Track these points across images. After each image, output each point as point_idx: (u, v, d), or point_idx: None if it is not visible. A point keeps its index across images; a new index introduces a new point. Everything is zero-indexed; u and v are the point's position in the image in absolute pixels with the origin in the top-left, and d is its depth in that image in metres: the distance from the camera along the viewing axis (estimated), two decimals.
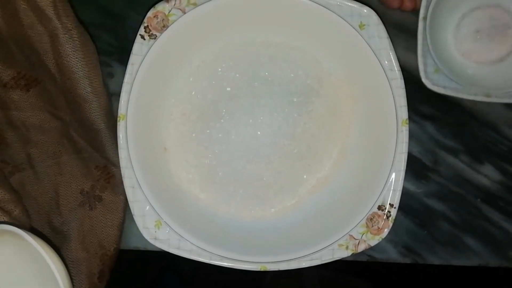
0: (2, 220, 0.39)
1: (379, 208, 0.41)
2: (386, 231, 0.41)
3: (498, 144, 0.49)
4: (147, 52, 0.41)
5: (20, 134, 0.43)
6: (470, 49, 0.47)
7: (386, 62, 0.41)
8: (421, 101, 0.48)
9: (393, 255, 0.48)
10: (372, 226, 0.41)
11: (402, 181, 0.41)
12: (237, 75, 0.46)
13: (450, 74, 0.44)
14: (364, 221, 0.41)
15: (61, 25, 0.42)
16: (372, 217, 0.41)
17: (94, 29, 0.47)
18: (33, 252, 0.37)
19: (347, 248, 0.41)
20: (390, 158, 0.41)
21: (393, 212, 0.41)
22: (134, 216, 0.41)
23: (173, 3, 0.41)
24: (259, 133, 0.45)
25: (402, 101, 0.41)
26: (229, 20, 0.44)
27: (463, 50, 0.47)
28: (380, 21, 0.41)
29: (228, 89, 0.46)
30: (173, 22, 0.41)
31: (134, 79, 0.41)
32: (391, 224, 0.41)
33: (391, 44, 0.42)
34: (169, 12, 0.41)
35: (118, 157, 0.41)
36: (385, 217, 0.41)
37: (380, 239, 0.41)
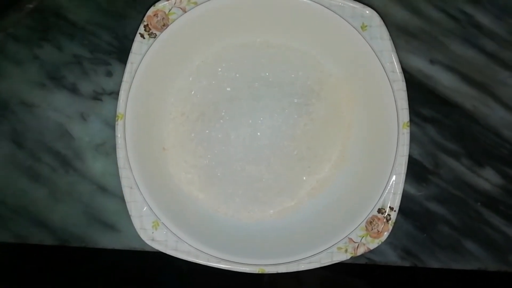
0: None
1: (379, 211, 0.41)
2: (385, 234, 0.41)
3: (499, 148, 0.48)
4: (147, 51, 0.41)
5: None
6: None
7: (388, 64, 0.41)
8: (422, 103, 0.48)
9: (393, 258, 0.48)
10: (372, 229, 0.41)
11: (403, 184, 0.41)
12: (237, 75, 0.45)
13: None
14: (363, 224, 0.41)
15: None
16: (372, 220, 0.41)
17: (94, 27, 0.47)
18: None
19: (346, 251, 0.41)
20: (390, 160, 0.41)
21: (393, 215, 0.41)
22: (131, 217, 0.40)
23: (173, 1, 0.41)
24: (259, 134, 0.45)
25: (404, 103, 0.41)
26: (229, 20, 0.43)
27: None
28: (382, 23, 0.41)
29: (228, 89, 0.45)
30: (173, 21, 0.41)
31: (133, 78, 0.40)
32: (390, 228, 0.41)
33: (393, 45, 0.41)
34: (169, 11, 0.41)
35: None
36: (385, 220, 0.41)
37: (380, 243, 0.41)
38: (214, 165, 0.45)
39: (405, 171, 0.41)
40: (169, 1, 0.41)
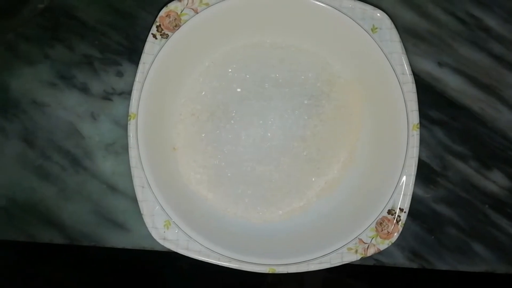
0: None
1: (389, 212, 0.41)
2: (395, 235, 0.41)
3: (506, 150, 0.48)
4: (159, 51, 0.41)
5: None
6: None
7: (398, 66, 0.41)
8: (430, 105, 0.48)
9: (400, 259, 0.48)
10: (382, 230, 0.41)
11: (413, 185, 0.41)
12: (248, 76, 0.45)
13: None
14: (373, 225, 0.41)
15: None
16: (382, 221, 0.41)
17: (104, 27, 0.47)
18: None
19: (356, 252, 0.41)
20: (400, 162, 0.41)
21: (403, 216, 0.41)
22: (143, 216, 0.40)
23: (185, 2, 0.41)
24: (269, 134, 0.45)
25: (414, 105, 0.41)
26: (240, 21, 0.44)
27: None
28: (393, 25, 0.41)
29: (238, 90, 0.45)
30: (185, 22, 0.41)
31: (145, 78, 0.41)
32: (400, 229, 0.41)
33: (403, 48, 0.41)
34: (181, 12, 0.41)
35: None
36: (395, 221, 0.41)
37: (390, 244, 0.41)
38: (223, 165, 0.45)
39: (415, 172, 0.41)
40: (181, 2, 0.41)
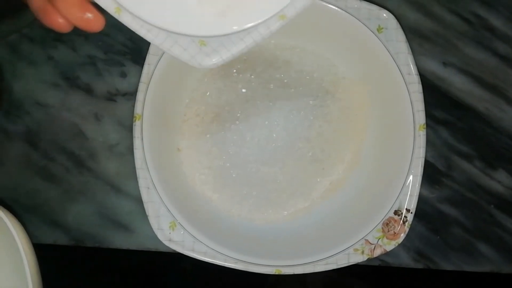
0: None
1: (395, 213, 0.41)
2: (402, 236, 0.41)
3: (511, 150, 0.48)
4: (164, 52, 0.41)
5: None
6: None
7: (404, 66, 0.41)
8: (435, 106, 0.48)
9: (406, 260, 0.48)
10: (388, 231, 0.41)
11: (419, 186, 0.41)
12: (252, 76, 0.45)
13: None
14: (380, 226, 0.41)
15: None
16: (388, 222, 0.41)
17: (108, 28, 0.47)
18: None
19: (362, 252, 0.41)
20: (407, 163, 0.41)
21: (410, 217, 0.41)
22: (148, 217, 0.40)
23: None
24: (274, 135, 0.45)
25: (420, 105, 0.41)
26: None
27: None
28: (398, 25, 0.41)
29: (243, 90, 0.45)
30: None
31: (150, 79, 0.40)
32: (407, 229, 0.41)
33: (409, 48, 0.41)
34: None
35: None
36: (401, 222, 0.41)
37: (396, 244, 0.41)
38: (228, 166, 0.45)
39: (422, 173, 0.41)
40: None
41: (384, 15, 0.41)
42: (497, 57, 0.48)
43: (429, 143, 0.48)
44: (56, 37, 0.47)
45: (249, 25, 0.25)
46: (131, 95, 0.43)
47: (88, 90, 0.47)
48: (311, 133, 0.45)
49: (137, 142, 0.40)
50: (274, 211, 0.46)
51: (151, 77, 0.40)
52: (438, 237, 0.48)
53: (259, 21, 0.25)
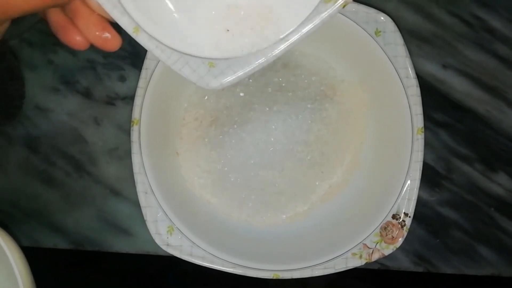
0: None
1: (393, 217, 0.41)
2: (400, 240, 0.41)
3: (511, 153, 0.48)
4: None
5: None
6: None
7: (402, 69, 0.41)
8: (435, 108, 0.48)
9: (405, 263, 0.47)
10: (386, 235, 0.41)
11: (417, 190, 0.41)
12: (250, 80, 0.45)
13: None
14: (378, 230, 0.41)
15: None
16: (386, 226, 0.41)
17: None
18: None
19: (360, 257, 0.41)
20: (405, 166, 0.41)
21: (408, 221, 0.41)
22: (146, 222, 0.40)
23: None
24: (272, 139, 0.45)
25: (418, 109, 0.41)
26: None
27: None
28: (396, 28, 0.41)
29: (241, 94, 0.45)
30: None
31: (148, 84, 0.41)
32: (405, 234, 0.41)
33: (407, 51, 0.41)
34: None
35: None
36: (399, 226, 0.41)
37: (395, 249, 0.41)
38: (227, 170, 0.45)
39: (420, 177, 0.41)
40: None
41: (382, 18, 0.41)
42: (497, 59, 0.48)
43: (428, 145, 0.47)
44: (55, 42, 0.47)
45: (256, 48, 0.26)
46: (131, 99, 0.43)
47: (87, 94, 0.47)
48: (310, 136, 0.45)
49: (135, 147, 0.40)
50: (273, 215, 0.46)
51: (149, 81, 0.40)
52: (438, 240, 0.48)
53: (266, 45, 0.26)
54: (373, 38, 0.41)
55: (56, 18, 0.26)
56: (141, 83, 0.40)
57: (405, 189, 0.41)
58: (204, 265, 0.40)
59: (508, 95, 0.48)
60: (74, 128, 0.47)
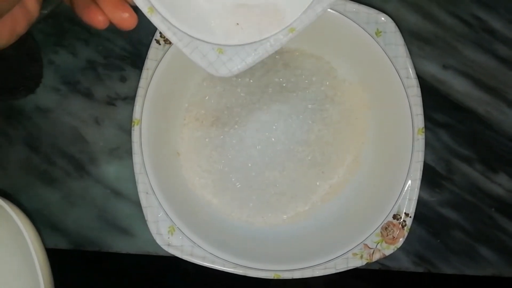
0: None
1: (394, 217, 0.41)
2: (401, 240, 0.41)
3: None
4: (162, 57, 0.41)
5: None
6: None
7: (402, 69, 0.41)
8: (435, 109, 0.48)
9: (406, 263, 0.47)
10: (387, 235, 0.41)
11: (418, 190, 0.41)
12: (251, 81, 0.45)
13: None
14: (378, 230, 0.41)
15: None
16: (387, 226, 0.41)
17: (108, 33, 0.47)
18: None
19: (361, 257, 0.41)
20: (405, 166, 0.41)
21: (409, 221, 0.41)
22: (147, 222, 0.40)
23: None
24: (273, 139, 0.45)
25: (419, 109, 0.41)
26: None
27: None
28: (397, 29, 0.41)
29: (242, 94, 0.45)
30: None
31: (149, 84, 0.41)
32: (406, 234, 0.41)
33: (407, 51, 0.41)
34: None
35: None
36: (400, 226, 0.41)
37: (395, 249, 0.41)
38: (228, 170, 0.45)
39: (420, 177, 0.41)
40: None
41: (383, 18, 0.41)
42: (497, 59, 0.48)
43: (429, 146, 0.48)
44: (56, 42, 0.48)
45: (263, 37, 0.28)
46: (131, 99, 0.43)
47: (88, 95, 0.47)
48: (310, 136, 0.45)
49: (135, 147, 0.40)
50: (273, 215, 0.46)
51: (150, 82, 0.41)
52: (439, 240, 0.48)
53: (272, 33, 0.28)
54: (373, 38, 0.41)
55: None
56: (142, 83, 0.41)
57: (405, 189, 0.41)
58: (205, 265, 0.40)
59: (508, 96, 0.48)
60: (74, 128, 0.47)
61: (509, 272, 0.47)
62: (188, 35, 0.27)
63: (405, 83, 0.41)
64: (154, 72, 0.41)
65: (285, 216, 0.46)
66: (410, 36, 0.48)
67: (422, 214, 0.47)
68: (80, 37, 0.48)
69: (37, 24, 0.48)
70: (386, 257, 0.44)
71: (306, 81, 0.45)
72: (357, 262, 0.41)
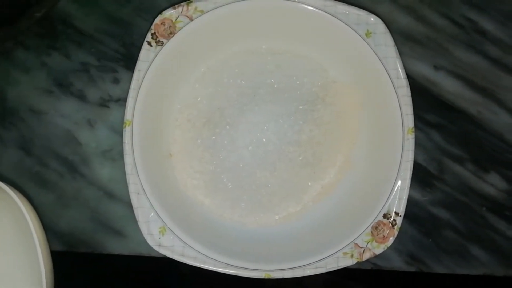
0: None
1: (384, 216, 0.41)
2: (391, 239, 0.41)
3: (503, 153, 0.48)
4: (154, 58, 0.41)
5: None
6: None
7: (392, 70, 0.41)
8: (427, 109, 0.48)
9: (398, 263, 0.48)
10: (377, 235, 0.41)
11: (408, 189, 0.41)
12: (243, 82, 0.46)
13: None
14: (369, 230, 0.41)
15: None
16: (377, 226, 0.41)
17: (101, 35, 0.48)
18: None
19: (352, 256, 0.41)
20: (396, 166, 0.41)
21: (399, 220, 0.41)
22: (138, 222, 0.40)
23: (180, 10, 0.41)
24: (264, 140, 0.45)
25: (408, 109, 0.41)
26: (235, 28, 0.44)
27: None
28: (387, 30, 0.41)
29: (234, 96, 0.46)
30: (180, 29, 0.41)
31: (140, 85, 0.41)
32: (396, 233, 0.41)
33: (397, 52, 0.42)
34: (176, 19, 0.41)
35: None
36: (390, 225, 0.41)
37: (386, 248, 0.41)
38: (220, 171, 0.45)
39: (410, 176, 0.41)
40: (176, 10, 0.41)
41: (372, 19, 0.41)
42: (489, 60, 0.49)
43: (421, 146, 0.48)
44: (49, 45, 0.48)
45: None
46: (124, 101, 0.43)
47: (81, 97, 0.48)
48: (302, 137, 0.46)
49: (127, 148, 0.40)
50: (265, 215, 0.46)
51: (142, 83, 0.41)
52: (431, 240, 0.48)
53: None
54: (364, 39, 0.42)
55: None
56: (134, 84, 0.41)
57: (396, 188, 0.41)
58: (195, 265, 0.41)
59: (500, 96, 0.48)
60: (67, 130, 0.47)
61: (501, 271, 0.48)
62: None
63: (395, 83, 0.41)
64: (145, 74, 0.41)
65: (276, 216, 0.46)
66: (402, 37, 0.48)
67: (414, 214, 0.48)
68: (73, 39, 0.48)
69: (30, 27, 0.48)
70: (378, 257, 0.44)
71: (298, 82, 0.46)
72: (347, 261, 0.41)
